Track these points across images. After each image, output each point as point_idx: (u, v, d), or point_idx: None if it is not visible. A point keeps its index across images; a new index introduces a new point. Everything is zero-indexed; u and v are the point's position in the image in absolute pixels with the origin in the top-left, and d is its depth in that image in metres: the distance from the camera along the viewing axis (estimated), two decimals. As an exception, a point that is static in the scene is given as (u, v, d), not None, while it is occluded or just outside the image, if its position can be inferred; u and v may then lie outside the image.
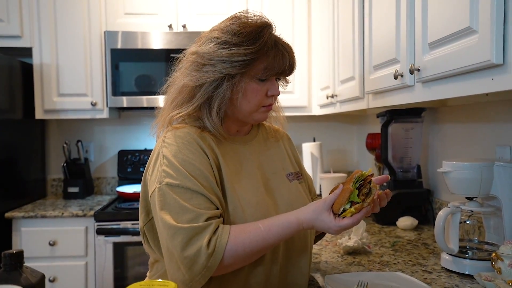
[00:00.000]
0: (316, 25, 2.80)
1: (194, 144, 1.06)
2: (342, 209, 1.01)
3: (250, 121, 1.17)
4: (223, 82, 1.07)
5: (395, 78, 1.40)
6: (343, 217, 1.01)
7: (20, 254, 0.76)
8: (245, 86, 1.09)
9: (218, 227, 0.99)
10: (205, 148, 1.07)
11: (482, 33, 0.96)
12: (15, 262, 0.76)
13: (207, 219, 0.98)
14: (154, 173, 1.05)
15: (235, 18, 1.12)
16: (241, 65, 1.06)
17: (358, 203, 1.01)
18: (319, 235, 1.37)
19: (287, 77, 1.22)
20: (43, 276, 0.79)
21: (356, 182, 1.02)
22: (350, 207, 1.01)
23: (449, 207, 1.34)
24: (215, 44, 1.09)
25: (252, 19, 1.12)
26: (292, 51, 1.16)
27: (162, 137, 1.11)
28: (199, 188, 1.00)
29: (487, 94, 1.31)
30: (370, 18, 1.71)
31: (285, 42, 1.15)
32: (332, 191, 1.07)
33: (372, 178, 1.05)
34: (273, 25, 1.14)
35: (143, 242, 1.17)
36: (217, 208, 1.02)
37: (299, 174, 1.28)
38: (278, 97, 1.25)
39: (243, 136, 1.22)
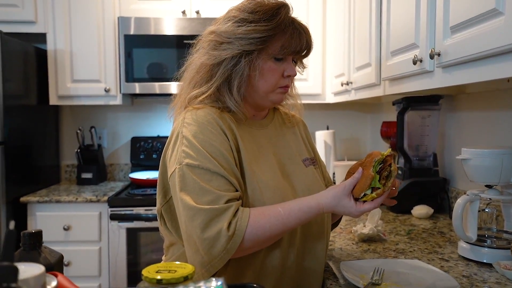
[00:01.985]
0: (331, 11, 2.76)
1: (214, 125, 1.05)
2: (363, 194, 1.00)
3: (266, 102, 1.16)
4: (240, 59, 1.07)
5: (414, 63, 1.37)
6: (364, 201, 1.01)
7: (39, 234, 0.76)
8: (262, 65, 1.09)
9: (238, 209, 0.98)
10: (225, 129, 1.06)
11: (509, 14, 0.93)
12: (34, 242, 0.76)
13: (227, 201, 0.97)
14: (174, 153, 1.05)
15: None
16: (258, 42, 1.06)
17: (379, 188, 1.00)
18: (334, 223, 1.36)
19: (303, 60, 1.21)
20: (61, 257, 0.79)
21: (377, 165, 1.01)
22: (372, 192, 1.00)
23: (467, 195, 1.32)
24: (233, 23, 1.09)
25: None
26: (309, 32, 1.16)
27: (181, 117, 1.09)
28: (219, 170, 1.00)
29: (508, 80, 1.28)
30: (388, 1, 1.67)
31: (302, 23, 1.15)
32: (348, 173, 1.06)
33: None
34: (290, 5, 1.14)
35: (159, 224, 1.17)
36: (237, 190, 1.02)
37: (314, 160, 1.27)
38: (296, 84, 1.24)
39: (259, 120, 1.21)
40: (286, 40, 1.09)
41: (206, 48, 1.11)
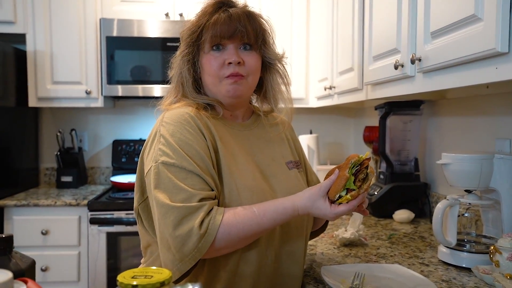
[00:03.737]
0: (315, 16, 2.77)
1: (191, 124, 1.05)
2: (337, 195, 0.99)
3: (222, 98, 1.14)
4: (185, 60, 1.14)
5: (396, 68, 1.38)
6: (339, 204, 1.00)
7: (9, 239, 0.74)
8: (202, 60, 1.14)
9: (212, 208, 0.98)
10: (202, 129, 1.06)
11: (487, 21, 0.94)
12: (4, 247, 0.73)
13: (201, 200, 0.97)
14: (151, 151, 1.05)
15: None
16: (192, 38, 1.13)
17: (354, 189, 0.99)
18: (320, 229, 1.35)
19: (274, 49, 1.21)
20: (33, 262, 0.77)
21: (353, 167, 1.00)
22: (346, 194, 0.99)
23: (447, 200, 1.33)
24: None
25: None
26: (248, 15, 1.13)
27: (160, 117, 1.10)
28: (195, 169, 0.99)
29: (487, 86, 1.30)
30: (370, 7, 1.69)
31: (237, 10, 1.13)
32: (327, 175, 1.05)
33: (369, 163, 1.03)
34: (228, 1, 1.16)
35: (137, 223, 1.15)
36: (212, 190, 1.01)
37: (299, 163, 1.26)
38: (292, 89, 1.24)
39: (242, 122, 1.21)
40: (212, 29, 1.10)
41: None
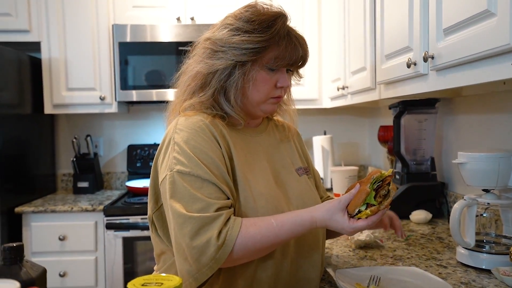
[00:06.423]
0: (326, 16, 2.75)
1: (206, 131, 1.04)
2: (357, 210, 0.98)
3: (258, 112, 1.14)
4: (234, 70, 1.06)
5: (408, 66, 1.35)
6: (358, 218, 0.98)
7: (20, 248, 0.74)
8: (256, 75, 1.08)
9: (229, 218, 0.96)
10: (217, 136, 1.05)
11: (501, 15, 0.91)
12: (15, 256, 0.73)
13: (218, 209, 0.95)
14: (165, 159, 1.03)
15: (250, 6, 1.11)
16: (251, 53, 1.05)
17: (374, 205, 0.97)
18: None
19: (299, 71, 1.19)
20: (44, 270, 0.77)
21: (374, 183, 0.98)
22: (366, 209, 0.97)
23: (465, 200, 1.30)
24: (228, 31, 1.08)
25: (267, 8, 1.10)
26: (306, 44, 1.14)
27: (173, 123, 1.08)
28: (210, 177, 0.98)
29: (504, 83, 1.26)
30: (381, 5, 1.66)
31: (298, 34, 1.13)
32: (348, 189, 1.04)
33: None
34: (288, 15, 1.12)
35: (150, 232, 1.15)
36: (228, 198, 1.00)
37: (308, 170, 1.25)
38: (292, 89, 1.23)
39: (253, 127, 1.20)
40: (280, 52, 1.07)
41: (202, 56, 1.10)
